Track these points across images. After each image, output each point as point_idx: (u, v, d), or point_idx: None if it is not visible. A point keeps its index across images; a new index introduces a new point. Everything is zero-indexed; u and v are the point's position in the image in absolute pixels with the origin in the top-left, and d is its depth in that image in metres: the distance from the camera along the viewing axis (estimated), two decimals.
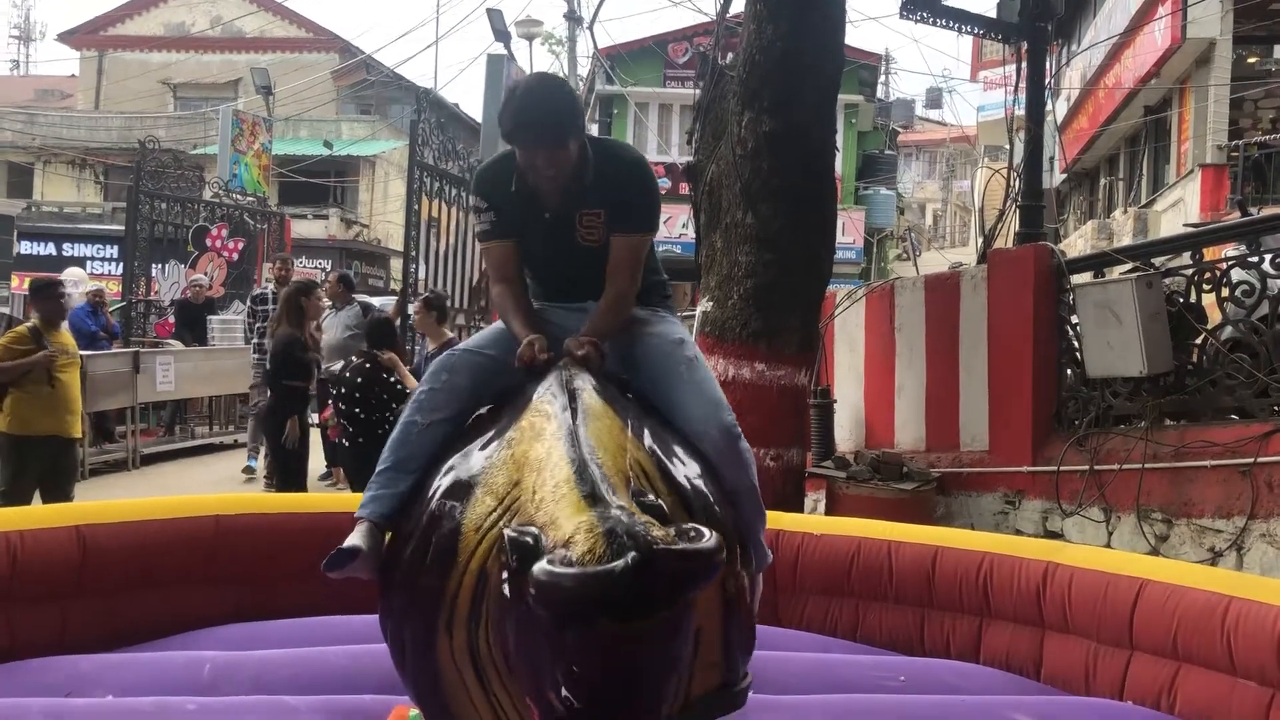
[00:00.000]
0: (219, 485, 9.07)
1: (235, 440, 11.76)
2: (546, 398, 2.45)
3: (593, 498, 2.03)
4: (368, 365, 6.70)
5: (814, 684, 3.66)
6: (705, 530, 1.94)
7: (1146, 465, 5.68)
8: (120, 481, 9.55)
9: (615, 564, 1.85)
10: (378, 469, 2.68)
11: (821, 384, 7.48)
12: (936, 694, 3.66)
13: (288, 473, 7.55)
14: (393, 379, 6.64)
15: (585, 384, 2.52)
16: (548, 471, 2.16)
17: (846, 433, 7.85)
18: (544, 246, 2.85)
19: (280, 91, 23.38)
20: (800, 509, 6.37)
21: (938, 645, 4.34)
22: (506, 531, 1.98)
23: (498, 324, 2.94)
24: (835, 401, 7.60)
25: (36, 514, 3.85)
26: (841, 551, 4.53)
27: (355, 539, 2.52)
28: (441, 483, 2.46)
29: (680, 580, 1.89)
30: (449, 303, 11.01)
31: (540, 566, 1.86)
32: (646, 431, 2.53)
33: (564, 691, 1.88)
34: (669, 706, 1.96)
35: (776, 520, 4.77)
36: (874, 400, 7.77)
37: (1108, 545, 5.77)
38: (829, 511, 6.71)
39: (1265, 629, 3.31)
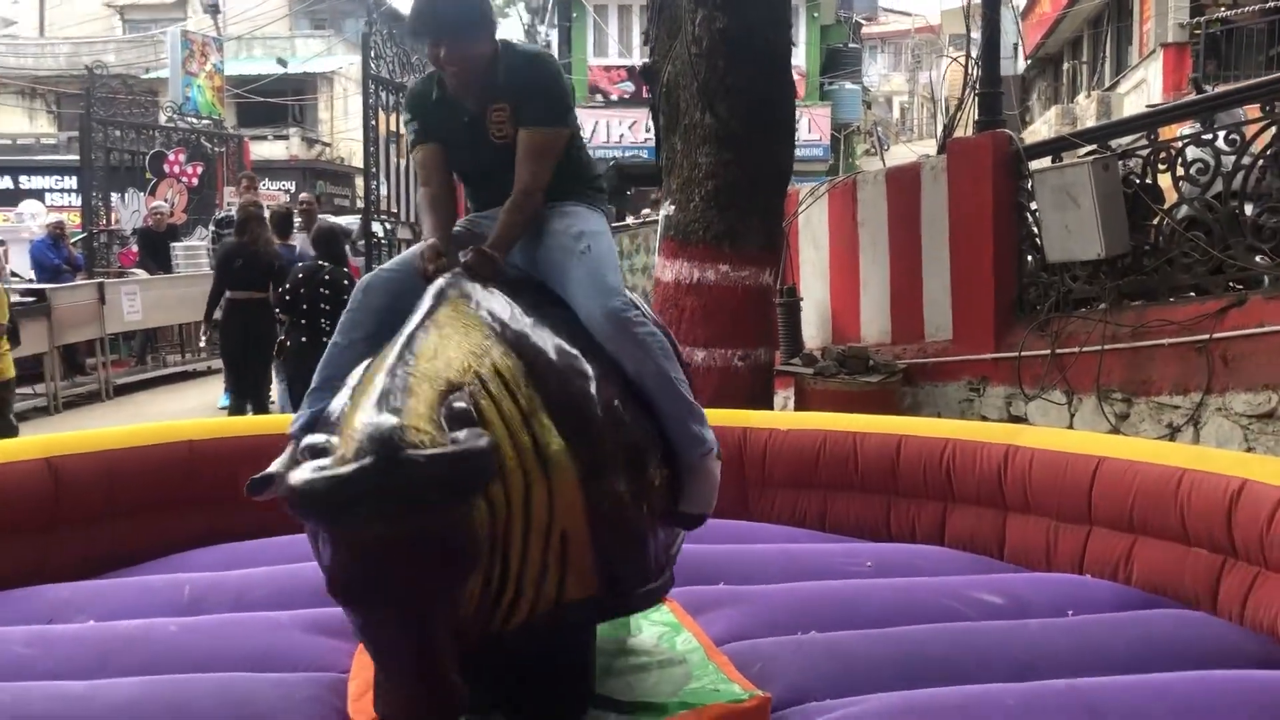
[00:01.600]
0: (194, 413, 9.07)
1: (209, 367, 11.72)
2: (415, 310, 2.41)
3: (375, 406, 2.00)
4: (305, 273, 7.11)
5: (783, 573, 3.74)
6: (471, 436, 1.96)
7: (1106, 346, 5.78)
8: (94, 413, 9.55)
9: (345, 467, 1.85)
10: (309, 390, 2.76)
11: (787, 283, 7.52)
12: (903, 577, 3.76)
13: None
14: (329, 290, 6.97)
15: (459, 291, 2.47)
16: (370, 382, 2.14)
17: (814, 329, 7.91)
18: (466, 150, 2.86)
19: (229, 9, 22.78)
20: (770, 407, 6.46)
21: (904, 531, 4.45)
22: (304, 440, 2.01)
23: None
24: (801, 299, 7.64)
25: (7, 447, 3.85)
26: (808, 445, 4.61)
27: (277, 464, 2.50)
28: (335, 402, 2.47)
29: (426, 485, 1.88)
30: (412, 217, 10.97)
31: (291, 473, 1.89)
32: (531, 333, 2.48)
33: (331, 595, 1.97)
34: (445, 610, 1.99)
35: (744, 418, 4.85)
36: (839, 296, 7.82)
37: (1070, 426, 5.89)
38: (798, 407, 6.80)
39: (1216, 499, 3.41)
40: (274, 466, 2.45)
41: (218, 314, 8.17)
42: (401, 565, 1.91)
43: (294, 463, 2.11)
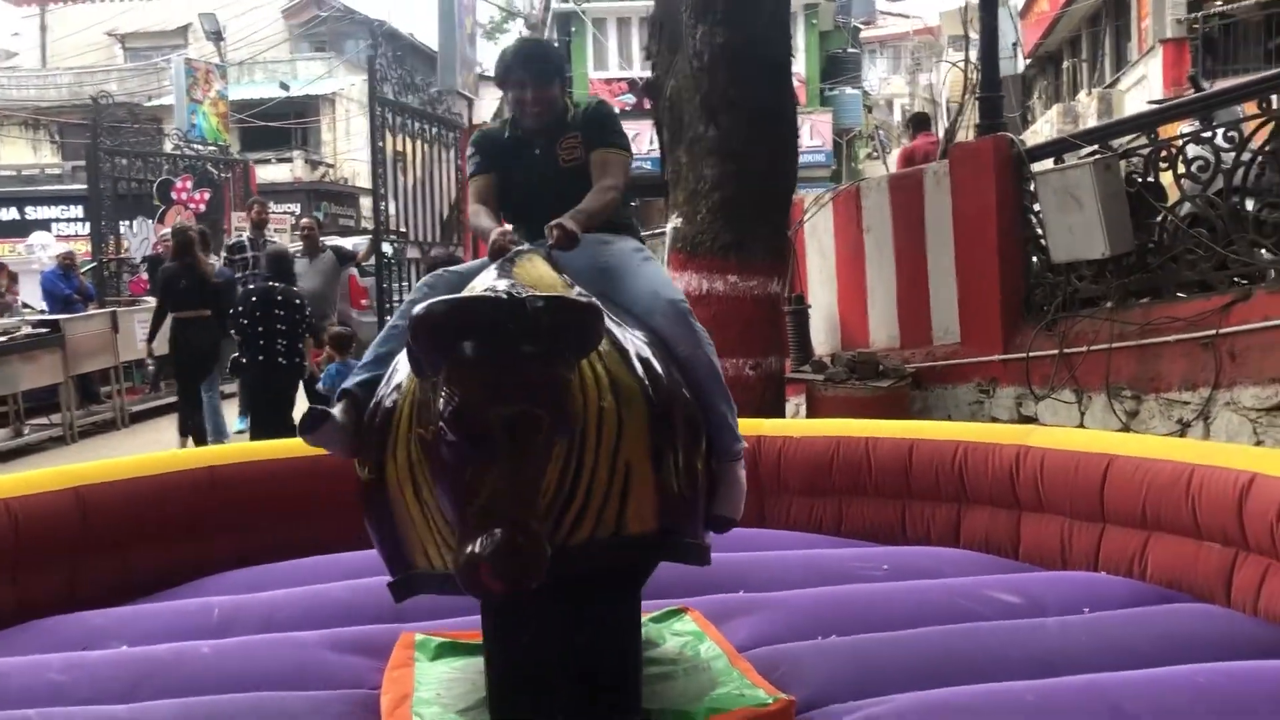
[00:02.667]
0: None
1: (223, 392, 11.77)
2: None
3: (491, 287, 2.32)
4: (259, 294, 7.63)
5: (801, 579, 3.80)
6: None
7: (1114, 345, 5.82)
8: (110, 441, 9.62)
9: (475, 294, 2.16)
10: (362, 361, 2.97)
11: (795, 291, 7.58)
12: (920, 579, 3.81)
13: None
14: (283, 310, 7.48)
15: (535, 253, 2.76)
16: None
17: (822, 336, 7.97)
18: (532, 175, 3.22)
19: (231, 34, 22.95)
20: (782, 414, 6.51)
21: (918, 533, 4.50)
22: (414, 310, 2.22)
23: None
24: (809, 307, 7.70)
25: (35, 479, 3.92)
26: (821, 451, 4.67)
27: (333, 410, 2.72)
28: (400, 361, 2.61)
29: (540, 323, 2.15)
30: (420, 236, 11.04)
31: (418, 306, 2.16)
32: (602, 301, 2.59)
33: (444, 428, 2.12)
34: (542, 460, 2.19)
35: (757, 427, 4.91)
36: (847, 302, 7.87)
37: (1080, 425, 5.93)
38: (810, 414, 6.85)
39: (1227, 493, 3.45)
40: (334, 412, 2.67)
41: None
42: (512, 399, 2.11)
43: (352, 411, 2.57)
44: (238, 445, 6.35)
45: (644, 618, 2.85)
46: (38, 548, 3.78)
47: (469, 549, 2.04)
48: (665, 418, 2.53)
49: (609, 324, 2.51)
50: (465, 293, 2.40)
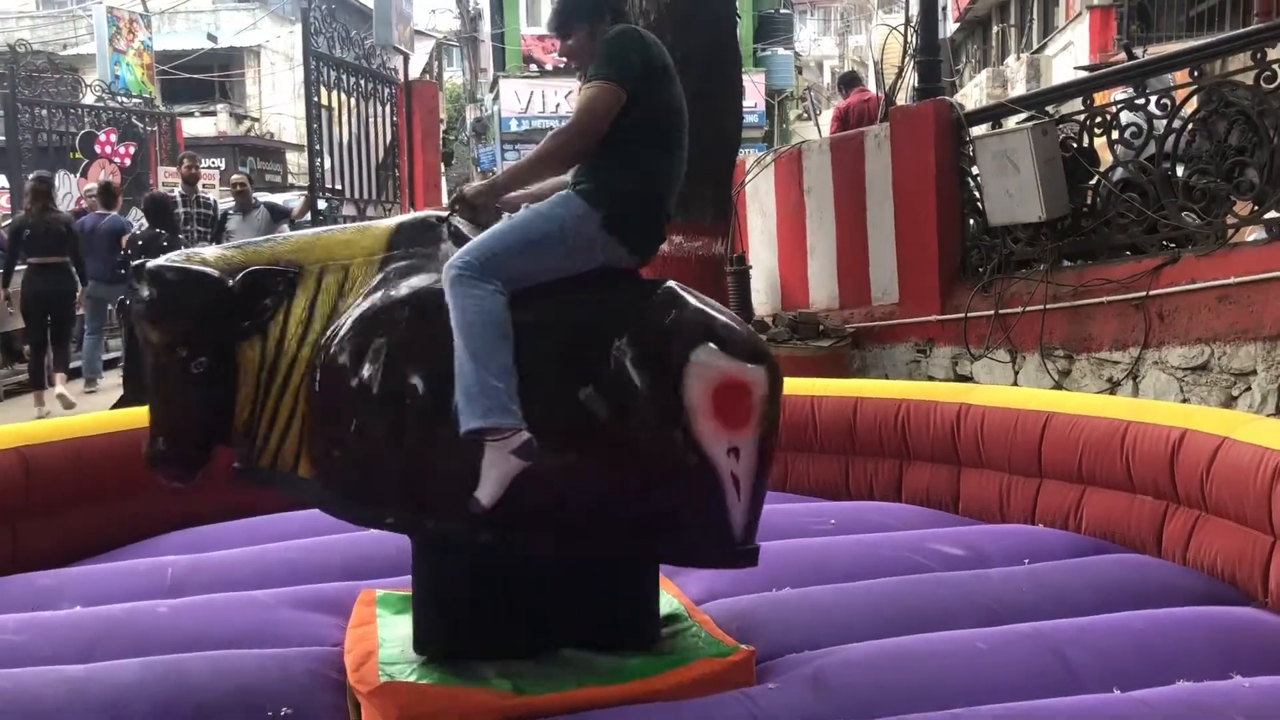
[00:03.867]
0: None
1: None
2: None
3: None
4: (145, 239, 8.01)
5: None
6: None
7: (1048, 306, 5.98)
8: (33, 401, 9.37)
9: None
10: None
11: (736, 251, 7.64)
12: (866, 533, 3.91)
13: None
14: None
15: (420, 220, 2.98)
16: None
17: (763, 296, 8.05)
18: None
19: None
20: None
21: (862, 489, 4.62)
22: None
23: None
24: (750, 267, 7.77)
25: None
26: None
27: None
28: None
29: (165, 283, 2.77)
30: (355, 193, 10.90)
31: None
32: (407, 269, 2.87)
33: None
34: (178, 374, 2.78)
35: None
36: (787, 263, 7.96)
37: (1014, 384, 6.10)
38: None
39: (1159, 448, 3.61)
40: None
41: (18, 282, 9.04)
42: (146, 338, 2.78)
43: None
44: None
45: None
46: None
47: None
48: (333, 377, 2.68)
49: (389, 282, 2.76)
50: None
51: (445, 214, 2.93)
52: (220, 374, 2.74)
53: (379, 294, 2.75)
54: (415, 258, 2.83)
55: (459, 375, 2.57)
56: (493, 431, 2.53)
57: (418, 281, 2.76)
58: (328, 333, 2.73)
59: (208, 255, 2.86)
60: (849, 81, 10.42)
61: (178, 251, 2.98)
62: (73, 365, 9.65)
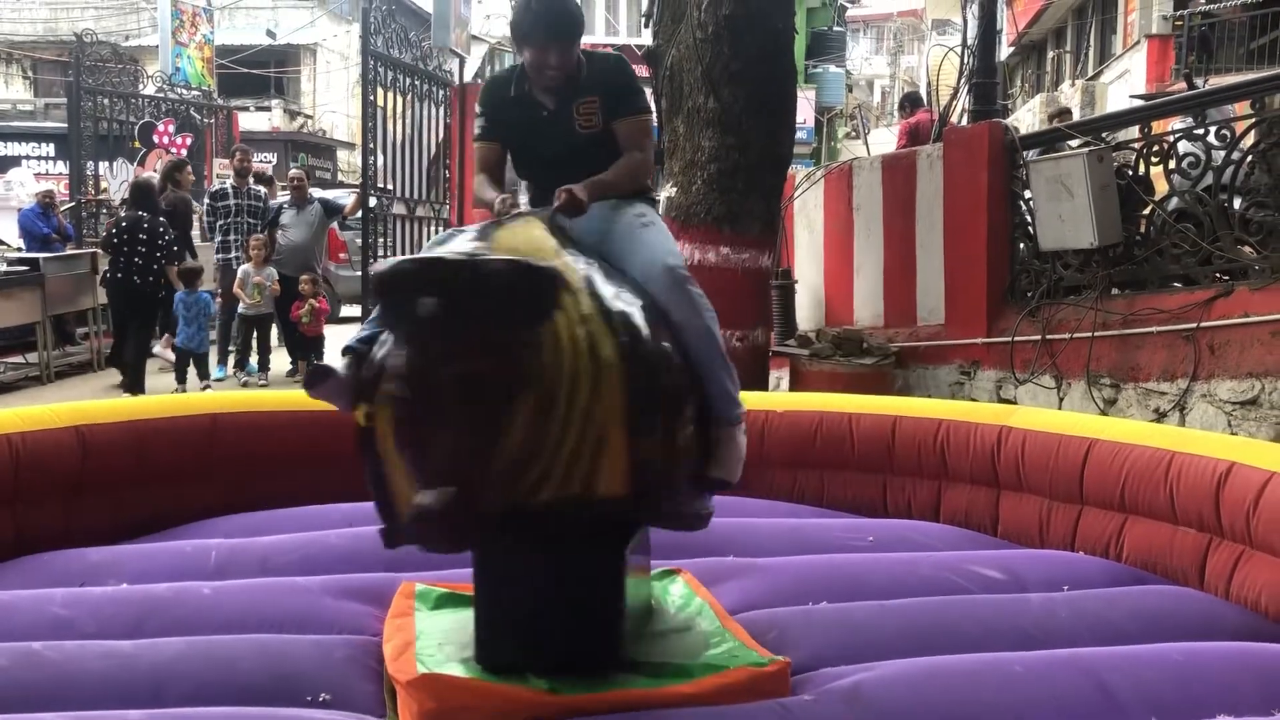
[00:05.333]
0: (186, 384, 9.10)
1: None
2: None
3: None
4: (128, 221, 8.79)
5: (788, 546, 3.87)
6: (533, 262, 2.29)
7: (1096, 333, 5.94)
8: (87, 383, 9.56)
9: (432, 254, 2.35)
10: (370, 317, 2.87)
11: (782, 265, 7.65)
12: (904, 552, 3.90)
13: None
14: (146, 236, 8.67)
15: (533, 216, 2.80)
16: None
17: (807, 312, 8.05)
18: (546, 141, 3.09)
19: None
20: (765, 387, 6.59)
21: (899, 508, 4.59)
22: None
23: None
24: (796, 282, 7.78)
25: (38, 415, 3.92)
26: (805, 425, 4.73)
27: (335, 364, 2.73)
28: None
29: (501, 288, 2.18)
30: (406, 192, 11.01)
31: (380, 264, 2.28)
32: (598, 264, 2.77)
33: (399, 385, 2.21)
34: (503, 402, 2.24)
35: (743, 399, 4.97)
36: (833, 279, 7.95)
37: (1059, 410, 6.04)
38: (792, 388, 6.94)
39: (1204, 480, 3.56)
40: (330, 363, 2.71)
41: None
42: (461, 359, 2.15)
43: (354, 366, 2.50)
44: (241, 394, 6.37)
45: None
46: (37, 482, 3.79)
47: (416, 504, 2.14)
48: (646, 384, 2.55)
49: (604, 288, 2.58)
50: (428, 253, 2.50)
51: (550, 211, 2.89)
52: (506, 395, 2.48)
53: (610, 292, 2.66)
54: (576, 256, 2.74)
55: (718, 360, 2.84)
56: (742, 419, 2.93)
57: (616, 278, 2.79)
58: (605, 341, 2.61)
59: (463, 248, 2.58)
60: (915, 101, 10.57)
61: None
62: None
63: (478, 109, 3.22)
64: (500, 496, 2.32)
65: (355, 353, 2.74)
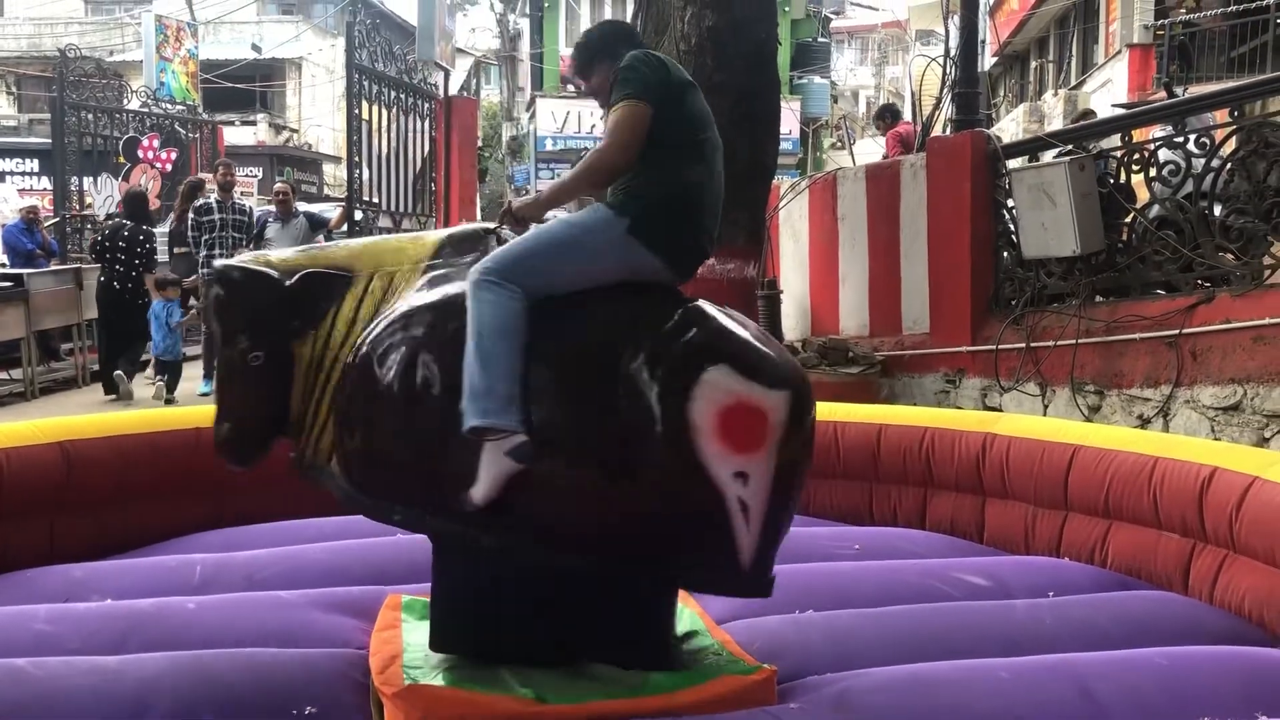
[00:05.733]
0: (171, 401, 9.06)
1: (185, 355, 11.66)
2: None
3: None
4: (111, 229, 9.25)
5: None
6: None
7: (1079, 340, 5.97)
8: (72, 399, 9.49)
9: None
10: None
11: (767, 275, 7.67)
12: (891, 559, 3.91)
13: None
14: (125, 244, 9.07)
15: (466, 232, 3.09)
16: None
17: (792, 322, 8.07)
18: None
19: None
20: None
21: (885, 516, 4.61)
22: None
23: None
24: (781, 292, 7.80)
25: (22, 430, 3.91)
26: None
27: None
28: None
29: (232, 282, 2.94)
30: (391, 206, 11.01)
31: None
32: (452, 274, 2.98)
33: None
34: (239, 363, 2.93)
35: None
36: (819, 289, 7.97)
37: (1044, 417, 6.07)
38: None
39: (1188, 485, 3.59)
40: None
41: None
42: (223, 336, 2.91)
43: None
44: None
45: None
46: (21, 498, 3.78)
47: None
48: (357, 374, 2.79)
49: (415, 297, 2.84)
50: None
51: (493, 226, 3.01)
52: (276, 369, 2.90)
53: (413, 299, 2.85)
54: (455, 266, 2.91)
55: (466, 374, 2.62)
56: (491, 431, 2.58)
57: (449, 289, 2.83)
58: (363, 333, 2.85)
59: (273, 258, 3.03)
60: (895, 113, 10.61)
61: (251, 253, 3.24)
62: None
63: None
64: (266, 440, 2.98)
65: None
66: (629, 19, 7.33)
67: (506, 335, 2.64)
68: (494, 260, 2.72)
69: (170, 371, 9.00)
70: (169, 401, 8.72)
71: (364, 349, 2.80)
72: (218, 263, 3.03)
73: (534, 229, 2.87)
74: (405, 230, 11.08)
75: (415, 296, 2.86)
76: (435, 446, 2.69)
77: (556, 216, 2.98)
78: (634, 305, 2.77)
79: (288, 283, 2.90)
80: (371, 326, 2.84)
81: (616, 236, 2.76)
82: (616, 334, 2.69)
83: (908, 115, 11.93)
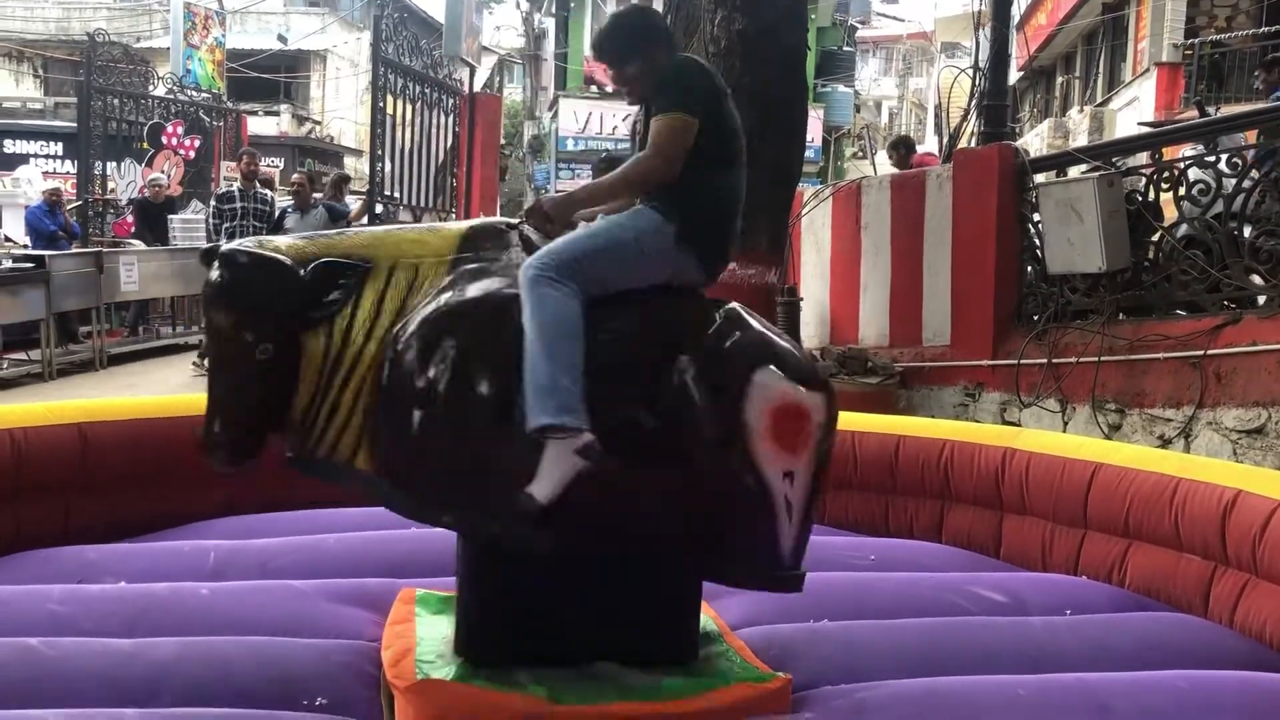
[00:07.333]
0: (187, 385, 9.09)
1: (201, 340, 11.70)
2: None
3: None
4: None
5: None
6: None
7: (1102, 358, 5.92)
8: (89, 382, 9.52)
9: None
10: None
11: (788, 282, 7.64)
12: (906, 571, 3.88)
13: None
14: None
15: (490, 227, 3.01)
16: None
17: (812, 330, 8.04)
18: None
19: None
20: None
21: (901, 528, 4.57)
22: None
23: None
24: (802, 299, 7.77)
25: (40, 411, 3.92)
26: None
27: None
28: None
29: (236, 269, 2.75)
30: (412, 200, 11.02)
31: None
32: (477, 272, 2.91)
33: None
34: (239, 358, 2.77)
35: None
36: (839, 297, 7.94)
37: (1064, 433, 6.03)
38: None
39: (1210, 507, 3.54)
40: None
41: None
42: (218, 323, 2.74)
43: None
44: None
45: None
46: (37, 479, 3.78)
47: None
48: (400, 372, 2.67)
49: (447, 294, 2.74)
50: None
51: (516, 221, 2.97)
52: (283, 362, 2.73)
53: (450, 294, 2.76)
54: (485, 261, 2.85)
55: (530, 372, 2.58)
56: (559, 430, 2.55)
57: (489, 284, 2.77)
58: (396, 328, 2.73)
59: (280, 243, 2.84)
60: (910, 146, 10.09)
61: (251, 238, 2.97)
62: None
63: None
64: (262, 438, 2.85)
65: None
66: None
67: (569, 333, 2.63)
68: (551, 257, 2.70)
69: None
70: None
71: (405, 346, 2.69)
72: (223, 246, 2.82)
73: (584, 228, 2.85)
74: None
75: (452, 292, 2.77)
76: (490, 449, 2.65)
77: (588, 219, 2.93)
78: (676, 307, 2.81)
79: (302, 271, 2.74)
80: (405, 322, 2.73)
81: (667, 243, 2.79)
82: (665, 335, 2.72)
83: (931, 127, 11.81)
